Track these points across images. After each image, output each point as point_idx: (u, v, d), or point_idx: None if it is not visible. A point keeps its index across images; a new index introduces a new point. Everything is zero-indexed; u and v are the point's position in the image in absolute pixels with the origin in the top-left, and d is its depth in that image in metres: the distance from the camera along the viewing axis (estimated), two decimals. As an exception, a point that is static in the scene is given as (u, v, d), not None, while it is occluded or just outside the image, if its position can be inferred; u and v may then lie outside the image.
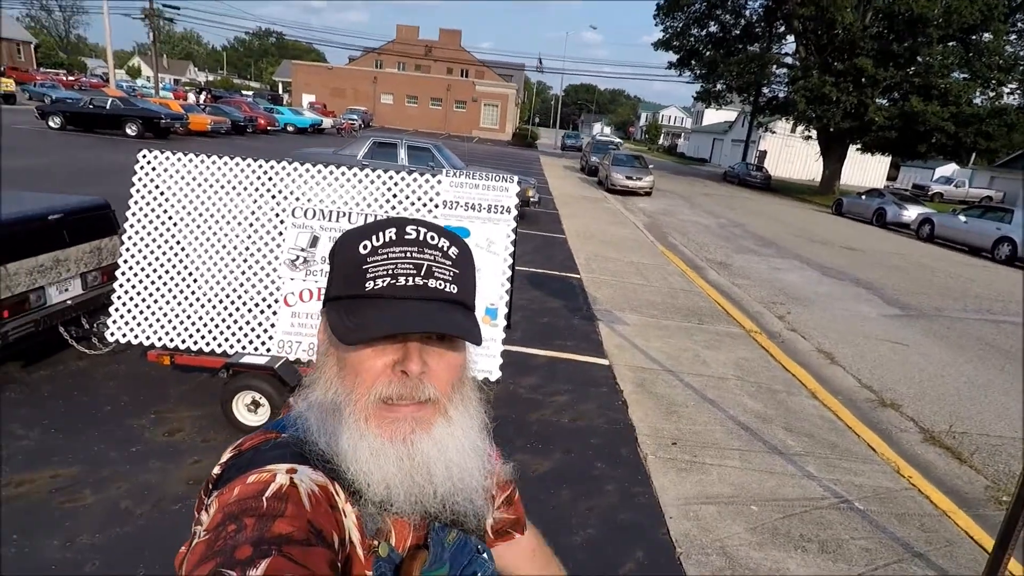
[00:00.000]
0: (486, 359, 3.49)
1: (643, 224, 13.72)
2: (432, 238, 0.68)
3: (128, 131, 19.18)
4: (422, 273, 0.66)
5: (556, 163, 31.22)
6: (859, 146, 27.98)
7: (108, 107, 19.46)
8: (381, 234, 0.67)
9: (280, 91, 59.63)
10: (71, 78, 46.23)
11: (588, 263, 8.96)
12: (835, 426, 4.42)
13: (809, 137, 29.80)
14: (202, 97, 37.71)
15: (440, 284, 0.66)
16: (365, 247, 0.67)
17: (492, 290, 3.58)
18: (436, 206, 3.66)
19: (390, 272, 0.65)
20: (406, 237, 0.67)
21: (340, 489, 0.66)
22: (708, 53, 29.87)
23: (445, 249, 0.69)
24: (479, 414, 0.76)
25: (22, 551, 2.49)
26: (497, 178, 3.73)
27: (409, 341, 0.66)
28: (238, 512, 0.58)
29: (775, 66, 28.57)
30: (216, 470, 0.69)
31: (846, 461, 3.91)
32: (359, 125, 36.54)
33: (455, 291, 0.67)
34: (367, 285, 0.65)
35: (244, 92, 52.58)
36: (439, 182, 3.67)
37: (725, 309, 7.34)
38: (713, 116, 57.64)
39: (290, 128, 30.38)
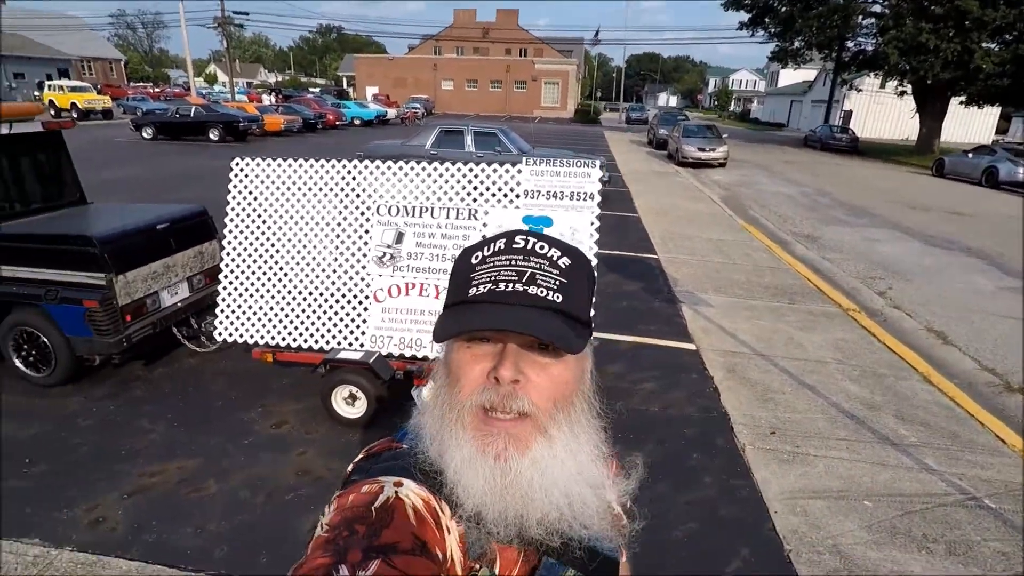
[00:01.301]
0: (575, 350, 3.44)
1: (720, 197, 13.14)
2: (541, 247, 0.68)
3: (211, 136, 20.38)
4: (524, 280, 0.65)
5: (622, 138, 30.45)
6: (963, 98, 25.32)
7: (192, 115, 20.72)
8: (492, 245, 0.69)
9: (345, 85, 61.33)
10: (157, 90, 49.52)
11: (664, 242, 8.69)
12: (954, 414, 4.07)
13: (903, 92, 27.30)
14: (273, 98, 39.38)
15: (542, 291, 0.65)
16: (476, 258, 0.69)
17: (578, 279, 3.52)
18: (517, 196, 3.62)
19: (492, 279, 0.66)
20: (514, 246, 0.68)
21: (445, 505, 0.66)
22: (783, 8, 27.87)
23: (554, 259, 0.68)
24: (590, 439, 0.71)
25: (161, 537, 2.72)
26: (579, 164, 3.64)
27: (508, 346, 0.65)
28: (351, 518, 0.61)
29: (861, 16, 26.26)
30: (348, 468, 0.73)
31: (970, 453, 3.59)
32: (422, 113, 37.05)
33: (559, 299, 0.65)
34: (471, 292, 0.66)
35: (311, 89, 54.46)
36: (519, 171, 3.62)
37: (817, 286, 6.92)
38: (790, 77, 54.11)
39: (357, 121, 31.19)
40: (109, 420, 3.69)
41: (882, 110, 39.65)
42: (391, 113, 34.17)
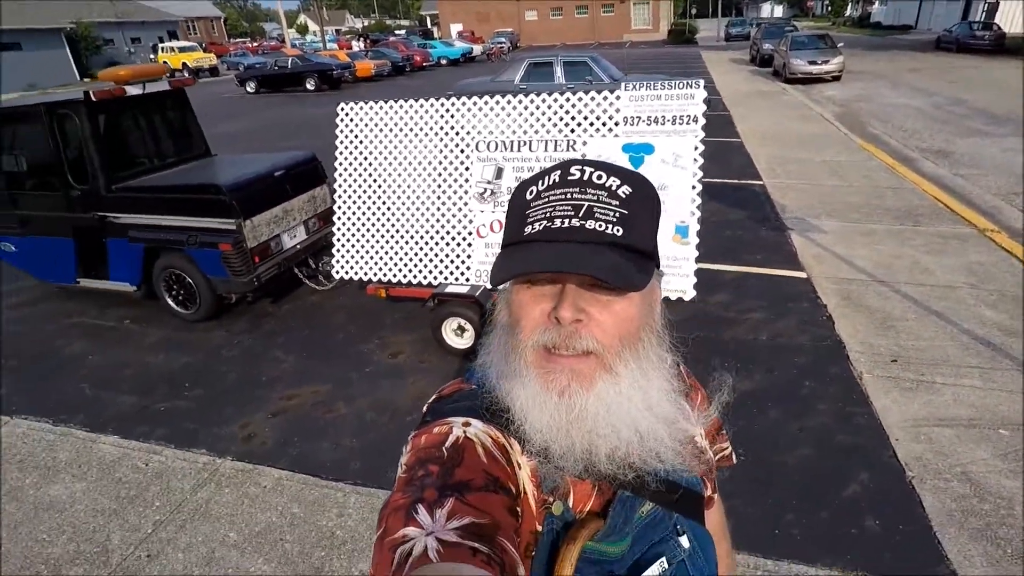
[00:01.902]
0: (679, 279, 3.39)
1: (833, 115, 11.94)
2: (599, 177, 0.64)
3: (308, 86, 21.17)
4: (580, 214, 0.62)
5: (721, 57, 28.12)
6: None
7: (289, 66, 21.58)
8: (547, 178, 0.66)
9: (429, 25, 60.74)
10: (254, 44, 51.64)
11: (771, 167, 8.11)
12: (1118, 341, 3.62)
13: (1066, -27, 22.90)
14: (362, 43, 39.85)
15: (600, 225, 0.62)
16: (531, 193, 0.66)
17: (681, 207, 3.41)
18: (616, 123, 3.52)
19: (547, 215, 0.63)
20: (569, 178, 0.65)
21: (514, 441, 0.67)
22: None
23: (613, 188, 0.64)
24: (661, 374, 0.69)
25: (303, 451, 3.08)
26: (681, 85, 3.45)
27: (567, 286, 0.63)
28: (425, 459, 0.63)
29: None
30: (424, 409, 0.76)
31: None
32: (508, 48, 36.11)
33: (619, 232, 0.62)
34: (526, 230, 0.64)
35: (396, 32, 54.50)
36: (618, 98, 3.50)
37: (948, 206, 6.22)
38: (921, -32, 46.88)
39: (443, 61, 30.99)
40: (248, 351, 4.14)
41: (1040, -2, 33.54)
42: (476, 50, 33.59)
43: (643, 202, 0.65)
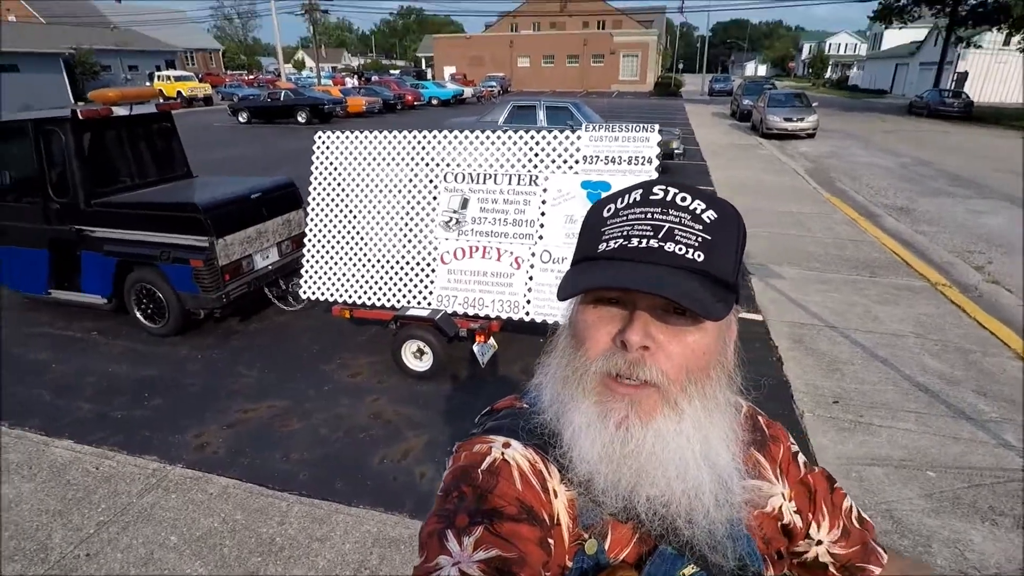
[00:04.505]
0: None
1: (804, 170, 12.47)
2: (683, 199, 0.61)
3: (299, 118, 21.56)
4: (660, 235, 0.58)
5: (703, 110, 29.25)
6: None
7: (282, 99, 22.01)
8: (627, 196, 0.63)
9: (423, 66, 62.45)
10: (250, 77, 52.56)
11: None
12: (1045, 389, 3.81)
13: (1028, 49, 24.37)
14: (357, 81, 40.82)
15: (680, 249, 0.58)
16: (608, 210, 0.63)
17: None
18: (576, 161, 3.73)
19: (624, 234, 0.60)
20: (651, 198, 0.61)
21: (554, 469, 0.65)
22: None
23: (697, 212, 0.60)
24: (726, 419, 0.64)
25: (254, 461, 3.12)
26: (636, 129, 3.68)
27: (637, 309, 0.59)
28: (460, 479, 0.63)
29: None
30: (476, 419, 0.75)
31: (1057, 428, 3.38)
32: (498, 91, 37.23)
33: (700, 258, 0.57)
34: (599, 247, 0.61)
35: (392, 72, 55.94)
36: (579, 137, 3.72)
37: (905, 260, 6.52)
38: (895, 38, 49.49)
39: (434, 101, 31.82)
40: (212, 365, 4.19)
41: (1004, 71, 35.53)
42: (468, 92, 34.56)
43: (728, 229, 0.60)
